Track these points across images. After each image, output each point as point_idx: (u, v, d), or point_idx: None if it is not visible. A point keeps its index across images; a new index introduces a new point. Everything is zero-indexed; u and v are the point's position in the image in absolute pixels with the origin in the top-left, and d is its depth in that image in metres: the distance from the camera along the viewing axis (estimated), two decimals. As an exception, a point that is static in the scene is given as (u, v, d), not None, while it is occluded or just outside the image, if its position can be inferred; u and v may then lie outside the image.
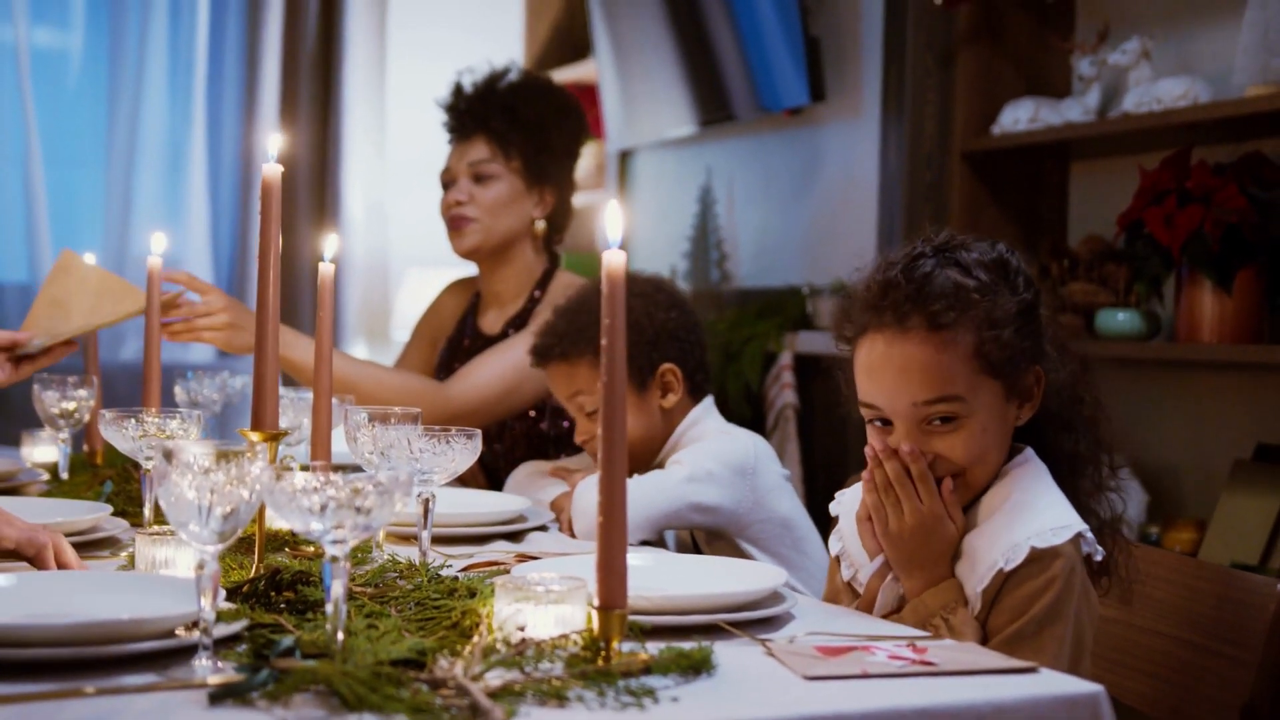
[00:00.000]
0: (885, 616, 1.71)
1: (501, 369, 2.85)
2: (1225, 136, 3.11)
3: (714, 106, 4.51)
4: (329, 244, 1.80)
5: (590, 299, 2.45)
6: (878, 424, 1.73)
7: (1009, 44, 3.59)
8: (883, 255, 1.79)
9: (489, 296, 3.12)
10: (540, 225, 3.06)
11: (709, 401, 2.47)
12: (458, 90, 3.10)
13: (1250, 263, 2.92)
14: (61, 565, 1.63)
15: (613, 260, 1.34)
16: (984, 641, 1.62)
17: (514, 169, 3.00)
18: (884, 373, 1.70)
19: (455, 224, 3.03)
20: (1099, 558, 1.69)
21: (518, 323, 3.01)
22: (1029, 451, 1.75)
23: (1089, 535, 1.67)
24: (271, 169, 1.60)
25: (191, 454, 1.28)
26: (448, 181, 3.07)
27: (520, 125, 3.00)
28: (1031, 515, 1.66)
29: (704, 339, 2.51)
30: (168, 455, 1.28)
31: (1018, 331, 1.70)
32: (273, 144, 1.60)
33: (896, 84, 3.78)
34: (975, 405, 1.68)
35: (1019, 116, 3.42)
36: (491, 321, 3.09)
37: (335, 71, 5.13)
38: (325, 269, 1.84)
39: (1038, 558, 1.63)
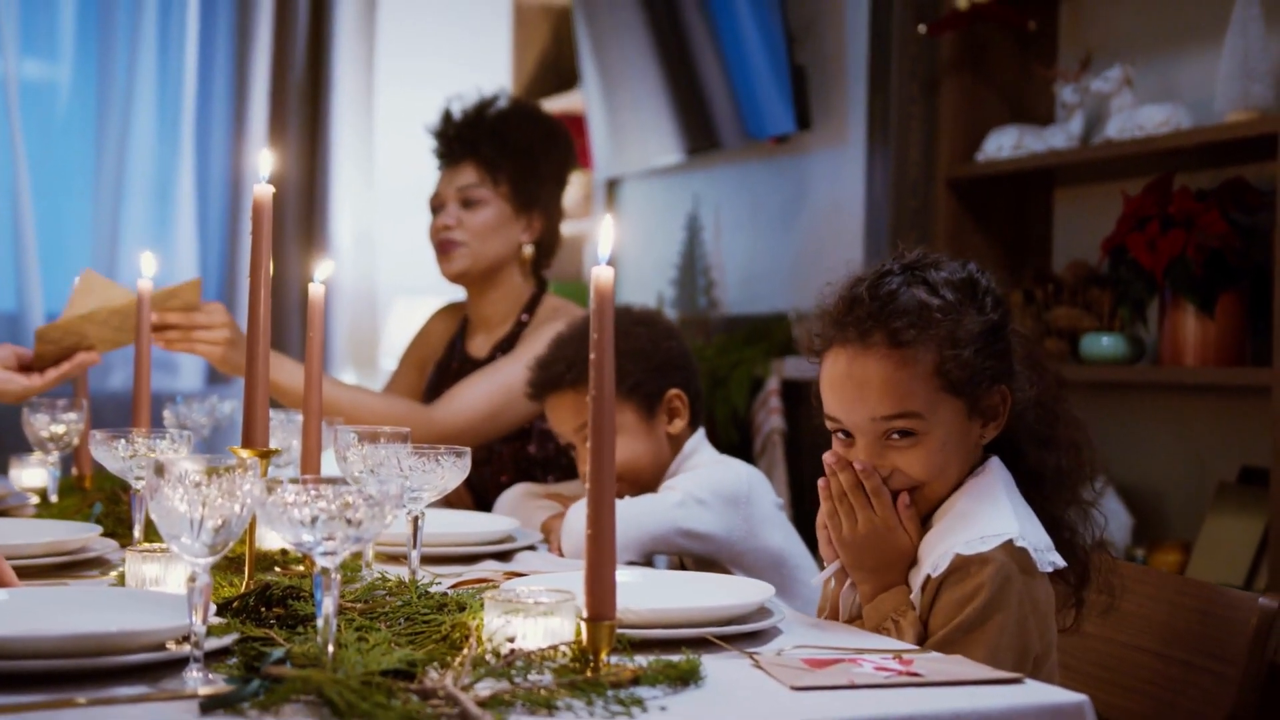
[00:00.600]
0: (849, 622, 1.75)
1: (489, 391, 2.86)
2: (1207, 162, 3.15)
3: (700, 135, 4.54)
4: (321, 267, 1.82)
5: (583, 330, 2.46)
6: (841, 436, 1.76)
7: (992, 72, 3.63)
8: (854, 271, 1.81)
9: (477, 320, 3.14)
10: (528, 250, 3.08)
11: (701, 432, 2.49)
12: (447, 116, 3.12)
13: (1233, 287, 2.95)
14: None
15: (602, 276, 1.36)
16: (920, 644, 1.64)
17: (502, 194, 3.02)
18: (845, 387, 1.73)
19: (443, 248, 3.05)
20: (1047, 569, 1.70)
21: (505, 346, 3.03)
22: (991, 462, 1.76)
23: (1025, 543, 1.66)
24: (263, 189, 1.62)
25: (183, 467, 1.29)
26: (436, 206, 3.09)
27: (509, 151, 3.03)
28: (968, 524, 1.69)
29: (697, 368, 2.54)
30: (159, 470, 1.29)
31: (980, 351, 1.72)
32: (264, 163, 1.61)
33: (881, 112, 3.81)
34: (934, 422, 1.70)
35: (1003, 144, 3.45)
36: (479, 345, 3.11)
37: (323, 100, 5.16)
38: (315, 290, 1.85)
39: (963, 565, 1.65)
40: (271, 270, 1.62)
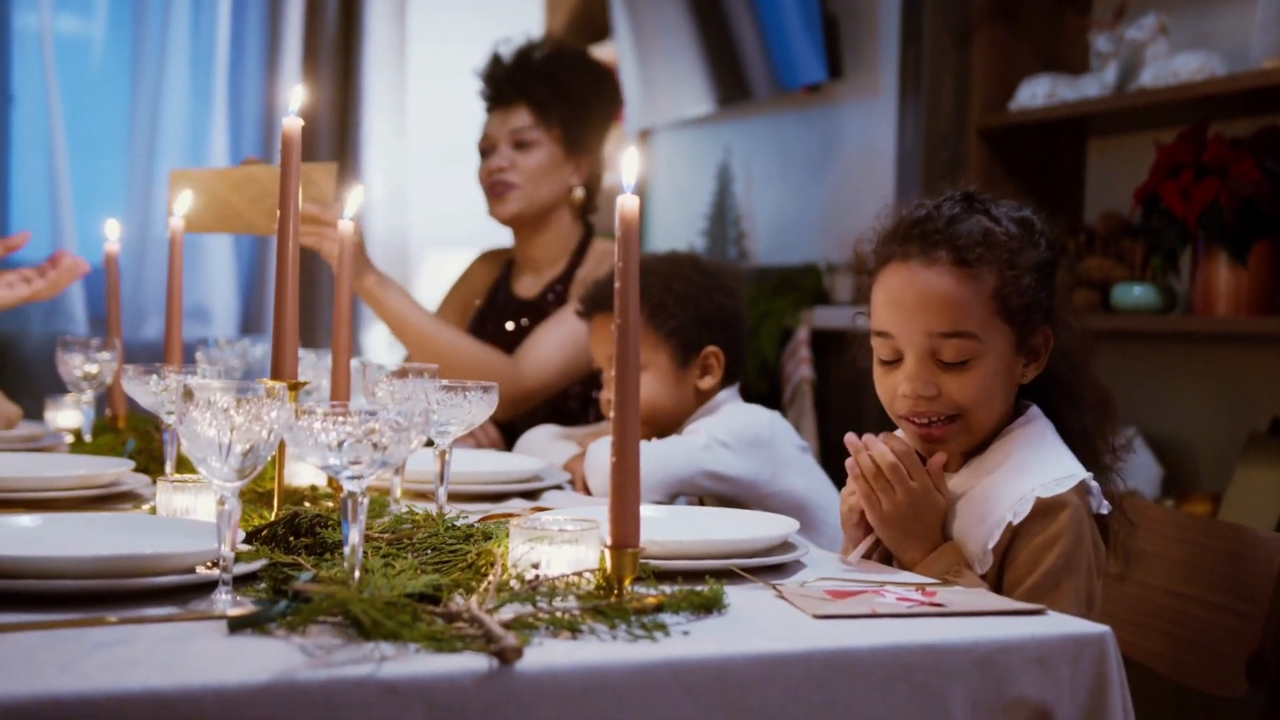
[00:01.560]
0: None
1: (562, 341, 2.89)
2: (1242, 110, 3.12)
3: (732, 85, 4.52)
4: (352, 198, 1.83)
5: (653, 264, 2.47)
6: (883, 361, 1.75)
7: (1026, 21, 3.60)
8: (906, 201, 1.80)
9: (524, 262, 3.15)
10: (578, 193, 3.11)
11: (735, 388, 2.49)
12: (496, 59, 3.14)
13: (1266, 236, 2.93)
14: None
15: (626, 205, 1.36)
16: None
17: (555, 137, 3.04)
18: (904, 300, 1.71)
19: (496, 190, 3.07)
20: (1104, 510, 1.70)
21: (556, 288, 3.04)
22: (1035, 410, 1.76)
23: (1094, 484, 1.68)
24: (292, 121, 1.62)
25: (211, 392, 1.30)
26: (486, 148, 3.10)
27: (561, 94, 3.05)
28: (1036, 469, 1.68)
29: (747, 332, 2.55)
30: (188, 394, 1.31)
31: (1036, 285, 1.72)
32: (294, 97, 1.62)
33: (914, 61, 3.79)
34: (988, 347, 1.69)
35: (1036, 93, 3.43)
36: (527, 286, 3.11)
37: (356, 55, 5.16)
38: (345, 226, 1.86)
39: (1045, 510, 1.64)
40: (301, 202, 1.63)
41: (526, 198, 3.05)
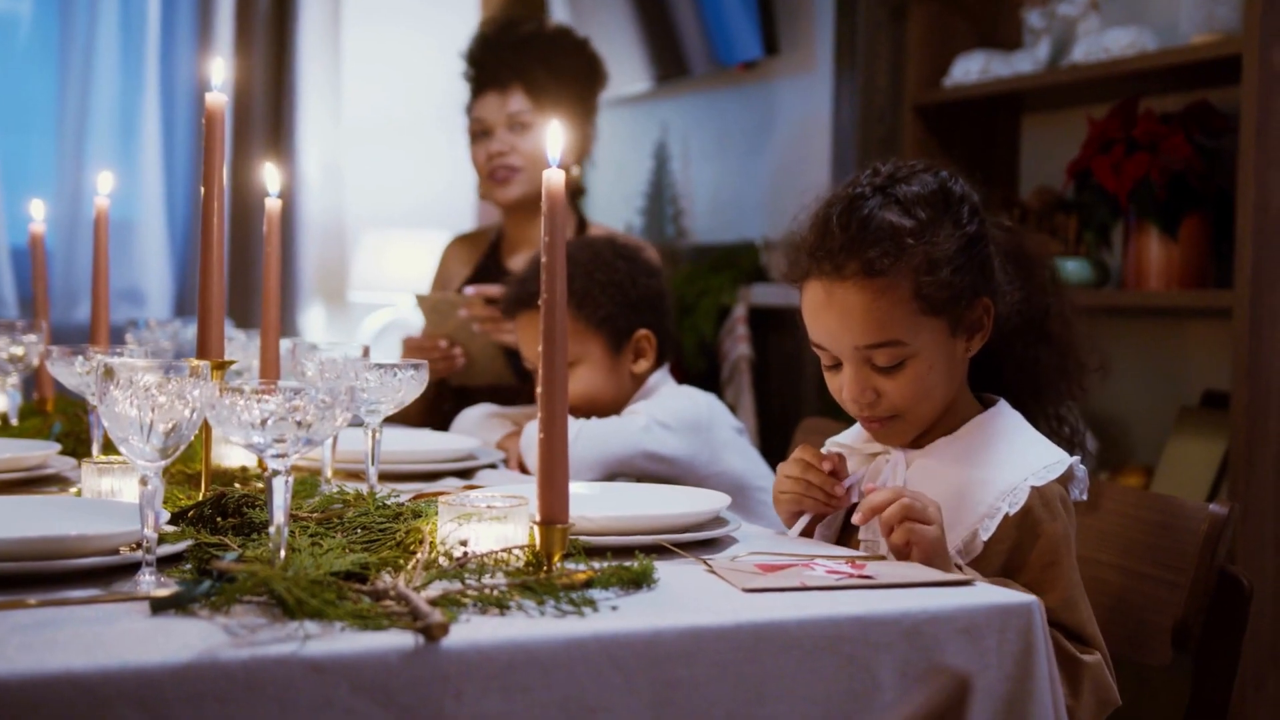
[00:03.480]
0: None
1: None
2: (1173, 86, 3.14)
3: (669, 61, 4.52)
4: (270, 176, 1.81)
5: (573, 253, 2.45)
6: (825, 361, 1.76)
7: (960, -3, 3.62)
8: (827, 193, 1.79)
9: (518, 240, 3.14)
10: (575, 172, 3.12)
11: (665, 369, 2.49)
12: (484, 40, 3.12)
13: (1196, 210, 2.96)
14: None
15: (552, 179, 1.35)
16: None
17: (551, 118, 3.02)
18: (826, 317, 1.71)
19: (499, 175, 3.06)
20: (1084, 497, 1.71)
21: None
22: (1002, 404, 1.76)
23: (1080, 468, 1.69)
24: (215, 97, 1.60)
25: (132, 371, 1.28)
26: (480, 132, 3.08)
27: (556, 75, 3.06)
28: (1021, 458, 1.68)
29: (672, 310, 2.53)
30: (108, 373, 1.29)
31: (959, 269, 1.69)
32: (216, 72, 1.60)
33: (849, 37, 3.80)
34: (917, 346, 1.69)
35: (970, 69, 3.44)
36: (523, 261, 3.06)
37: (289, 32, 5.10)
38: (271, 204, 1.84)
39: (1037, 498, 1.65)
40: (227, 186, 1.61)
41: (530, 180, 3.05)
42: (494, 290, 2.74)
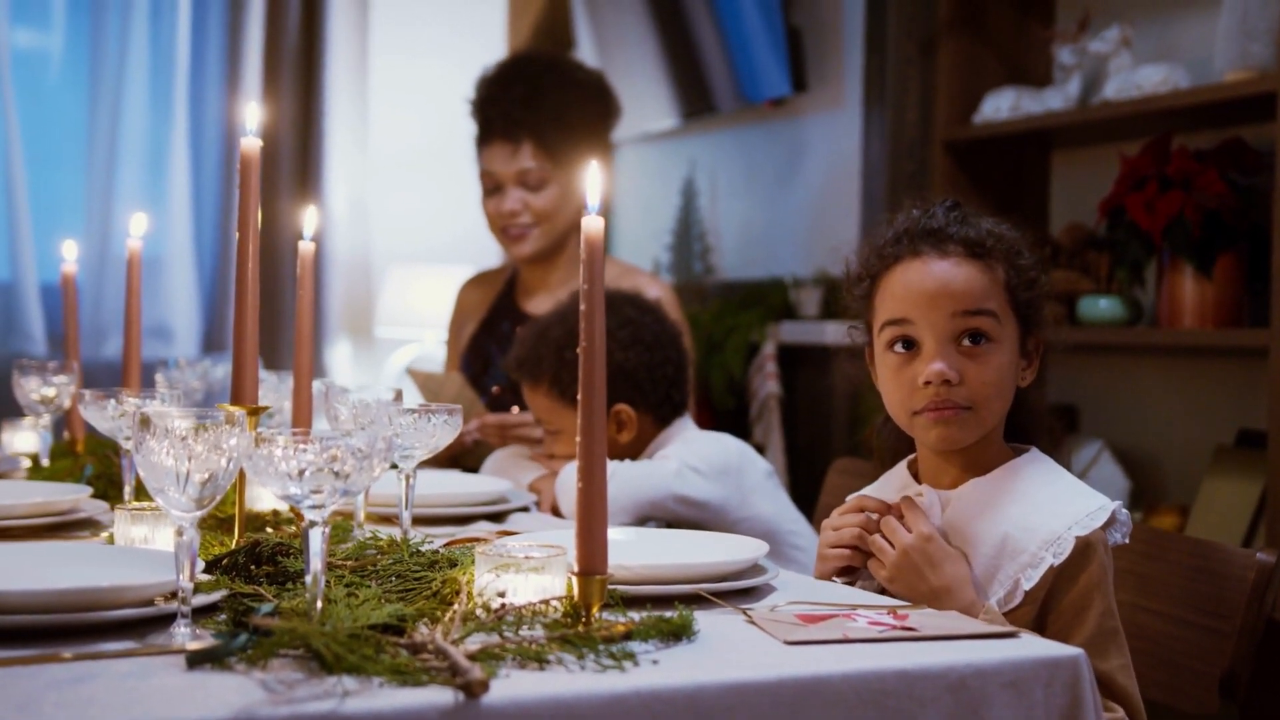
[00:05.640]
0: None
1: None
2: (1206, 123, 3.12)
3: (696, 99, 4.51)
4: (308, 219, 1.80)
5: (551, 325, 2.42)
6: (899, 349, 1.71)
7: (990, 33, 3.60)
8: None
9: (534, 282, 3.11)
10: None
11: (686, 420, 2.45)
12: (489, 88, 3.04)
13: (1230, 248, 2.94)
14: None
15: (591, 226, 1.34)
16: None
17: (564, 169, 2.97)
18: (925, 286, 1.69)
19: (513, 233, 3.01)
20: (1126, 540, 1.68)
21: None
22: (1035, 450, 1.75)
23: (1123, 513, 1.66)
24: (250, 142, 1.60)
25: (169, 420, 1.27)
26: (492, 186, 3.03)
27: (568, 128, 2.98)
28: (1062, 505, 1.66)
29: (674, 371, 2.42)
30: (144, 422, 1.28)
31: (1035, 281, 1.73)
32: (250, 117, 1.59)
33: (878, 74, 3.79)
34: (1005, 332, 1.70)
35: (1000, 105, 3.43)
36: (540, 305, 3.02)
37: (317, 68, 5.12)
38: (305, 247, 1.83)
39: (1081, 549, 1.62)
40: (260, 222, 1.60)
41: (544, 236, 3.01)
42: (494, 419, 2.68)
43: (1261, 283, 2.90)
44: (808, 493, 1.94)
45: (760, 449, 3.82)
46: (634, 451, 2.40)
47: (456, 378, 2.83)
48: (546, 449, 2.47)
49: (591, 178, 1.36)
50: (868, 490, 1.84)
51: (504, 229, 3.02)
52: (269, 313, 4.94)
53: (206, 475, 1.28)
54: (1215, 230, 2.92)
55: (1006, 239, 1.73)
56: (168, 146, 4.90)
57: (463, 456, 2.79)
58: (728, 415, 4.02)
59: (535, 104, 2.98)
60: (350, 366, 5.20)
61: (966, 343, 1.68)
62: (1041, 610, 1.63)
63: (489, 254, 4.85)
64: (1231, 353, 3.13)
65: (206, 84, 5.00)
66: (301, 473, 1.24)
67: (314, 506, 1.26)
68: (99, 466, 2.30)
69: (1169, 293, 3.02)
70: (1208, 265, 2.94)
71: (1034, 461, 1.73)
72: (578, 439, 1.34)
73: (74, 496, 1.97)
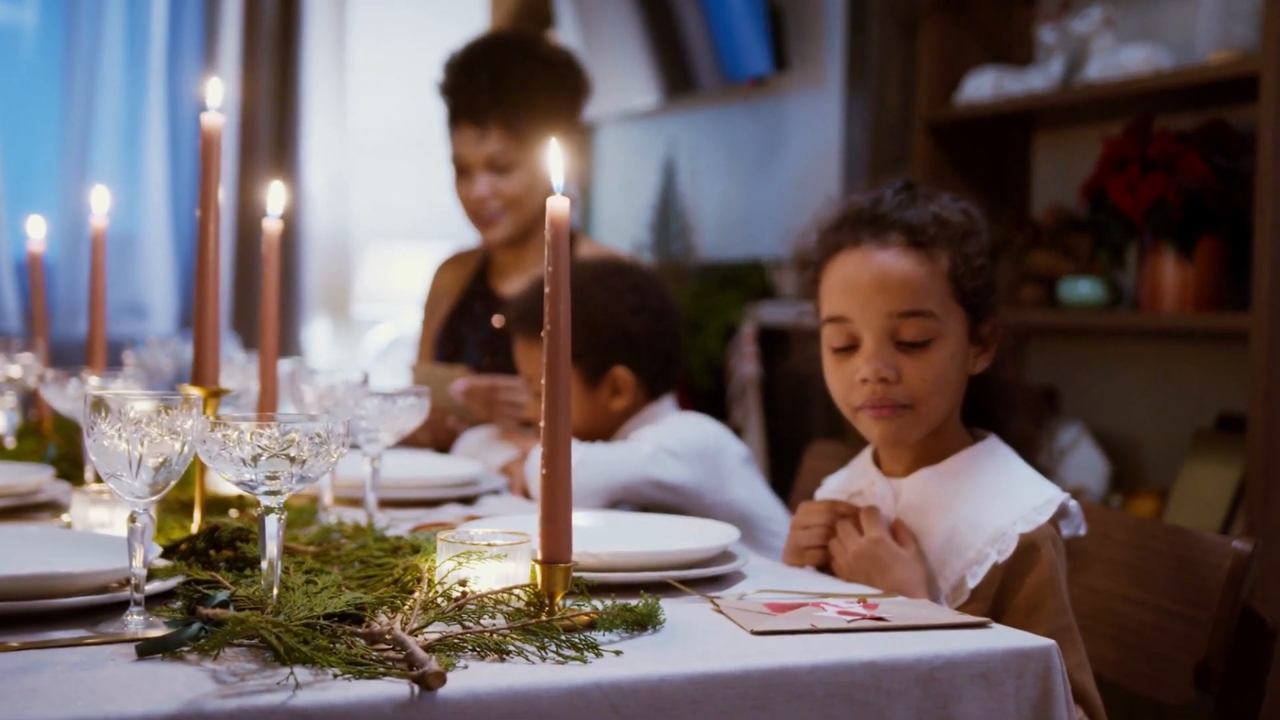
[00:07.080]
0: None
1: None
2: (1188, 104, 3.10)
3: (677, 77, 4.48)
4: (274, 195, 1.76)
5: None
6: (836, 350, 1.70)
7: (972, 13, 3.57)
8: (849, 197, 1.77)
9: (508, 263, 3.07)
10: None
11: (669, 399, 2.42)
12: (456, 72, 2.99)
13: (1212, 231, 2.91)
14: None
15: (556, 207, 1.31)
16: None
17: (532, 152, 2.93)
18: (861, 282, 1.68)
19: (483, 218, 2.97)
20: (1082, 532, 1.67)
21: None
22: (994, 439, 1.73)
23: (1073, 505, 1.64)
24: (211, 118, 1.56)
25: (122, 403, 1.24)
26: (462, 168, 2.99)
27: (536, 111, 2.93)
28: (1012, 498, 1.64)
29: (672, 344, 2.41)
30: (97, 405, 1.25)
31: (985, 269, 1.70)
32: (212, 91, 1.56)
33: (859, 53, 3.75)
34: (946, 328, 1.67)
35: (982, 86, 3.40)
36: (514, 286, 2.99)
37: (295, 46, 5.07)
38: (271, 225, 1.80)
39: (1026, 544, 1.60)
40: (221, 198, 1.57)
41: (515, 221, 2.97)
42: (483, 382, 2.64)
43: (1243, 266, 2.87)
44: (786, 475, 1.92)
45: (739, 430, 3.79)
46: (621, 420, 2.36)
47: (459, 370, 2.78)
48: (532, 412, 2.42)
49: (554, 157, 1.32)
50: (835, 477, 1.83)
51: (475, 214, 2.99)
52: (248, 292, 4.90)
53: (160, 460, 1.25)
54: (1197, 213, 2.90)
55: (954, 224, 1.69)
56: (144, 123, 4.85)
57: (450, 442, 2.75)
58: (706, 396, 4.00)
59: (501, 88, 2.94)
60: (328, 344, 5.17)
61: (906, 336, 1.66)
62: (993, 609, 1.61)
63: (467, 232, 4.80)
64: (1212, 336, 3.11)
65: (183, 60, 4.95)
66: (256, 458, 1.21)
67: (270, 493, 1.23)
68: (63, 447, 2.26)
69: (1150, 275, 3.00)
70: (1189, 248, 2.92)
71: (987, 451, 1.71)
72: (541, 423, 1.31)
73: (36, 478, 1.93)
